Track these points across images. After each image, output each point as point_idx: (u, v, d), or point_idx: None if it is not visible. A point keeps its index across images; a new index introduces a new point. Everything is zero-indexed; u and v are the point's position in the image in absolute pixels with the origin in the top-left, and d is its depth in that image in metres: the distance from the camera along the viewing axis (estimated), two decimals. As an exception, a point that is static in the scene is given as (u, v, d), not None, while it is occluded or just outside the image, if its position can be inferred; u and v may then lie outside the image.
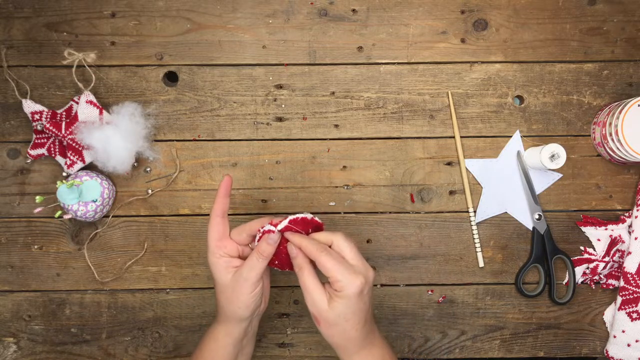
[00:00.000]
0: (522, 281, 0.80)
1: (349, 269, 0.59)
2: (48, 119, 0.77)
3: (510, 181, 0.80)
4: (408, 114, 0.80)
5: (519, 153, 0.79)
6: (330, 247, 0.62)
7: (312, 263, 0.62)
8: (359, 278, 0.59)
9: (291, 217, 0.63)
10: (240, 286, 0.62)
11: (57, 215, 0.76)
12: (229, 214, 0.80)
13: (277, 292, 0.80)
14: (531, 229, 0.80)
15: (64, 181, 0.73)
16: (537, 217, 0.79)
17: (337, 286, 0.59)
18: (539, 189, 0.80)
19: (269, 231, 0.63)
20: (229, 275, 0.63)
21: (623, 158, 0.75)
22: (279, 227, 0.63)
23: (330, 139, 0.80)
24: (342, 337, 0.61)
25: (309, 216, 0.64)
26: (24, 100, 0.76)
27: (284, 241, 0.63)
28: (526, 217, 0.80)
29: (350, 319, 0.60)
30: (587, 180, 0.80)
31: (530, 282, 0.80)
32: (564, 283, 0.80)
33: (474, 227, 0.80)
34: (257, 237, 0.64)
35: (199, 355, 0.68)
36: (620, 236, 0.78)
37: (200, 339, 0.69)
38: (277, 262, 0.65)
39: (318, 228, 0.65)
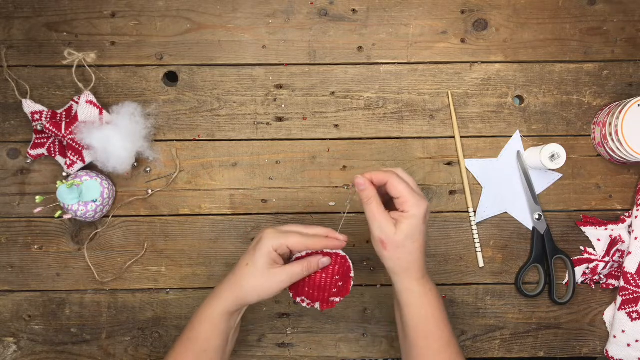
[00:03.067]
0: (522, 281, 0.80)
1: (416, 192, 0.63)
2: (48, 119, 0.77)
3: (510, 181, 0.80)
4: (408, 114, 0.80)
5: (519, 153, 0.79)
6: None
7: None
8: (424, 200, 0.63)
9: (343, 253, 0.67)
10: (273, 283, 0.64)
11: (57, 215, 0.76)
12: (229, 214, 0.80)
13: (277, 292, 0.80)
14: (531, 229, 0.80)
15: (64, 181, 0.73)
16: (537, 217, 0.79)
17: (406, 207, 0.62)
18: (539, 189, 0.80)
19: (325, 254, 0.66)
20: (269, 266, 0.64)
21: (623, 158, 0.75)
22: (338, 251, 0.66)
23: (330, 139, 0.80)
24: (408, 260, 0.64)
25: (350, 264, 0.67)
26: (24, 100, 0.76)
27: (321, 274, 0.66)
28: (526, 217, 0.80)
29: (417, 239, 0.63)
30: (587, 180, 0.80)
31: (530, 282, 0.80)
32: (564, 283, 0.80)
33: (474, 227, 0.80)
34: (304, 253, 0.66)
35: (191, 337, 0.67)
36: (620, 236, 0.78)
37: (191, 321, 0.68)
38: (307, 288, 0.67)
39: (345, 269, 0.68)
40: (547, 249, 0.79)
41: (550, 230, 0.79)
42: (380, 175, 0.64)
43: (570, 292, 0.79)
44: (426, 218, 0.64)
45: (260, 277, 0.64)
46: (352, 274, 0.67)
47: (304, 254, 0.66)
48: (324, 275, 0.66)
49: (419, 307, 0.65)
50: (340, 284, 0.67)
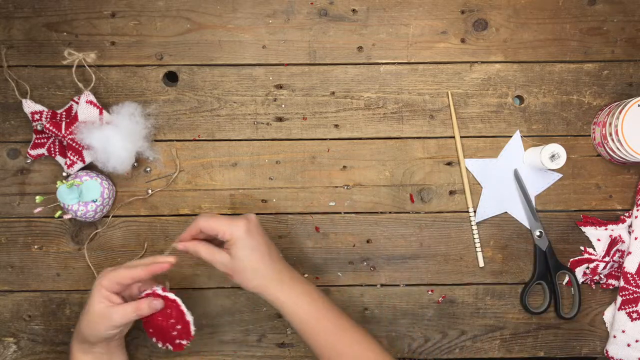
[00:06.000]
0: (527, 298, 0.79)
1: (229, 219, 0.67)
2: (48, 119, 0.77)
3: (510, 181, 0.80)
4: (408, 114, 0.80)
5: (516, 172, 0.79)
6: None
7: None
8: (241, 220, 0.66)
9: (172, 297, 0.68)
10: (104, 322, 0.65)
11: (57, 215, 0.76)
12: (229, 214, 0.80)
13: (277, 292, 0.80)
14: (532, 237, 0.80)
15: (64, 181, 0.73)
16: (537, 234, 0.79)
17: (227, 236, 0.66)
18: (539, 189, 0.80)
19: (156, 295, 0.68)
20: (100, 306, 0.65)
21: (623, 158, 0.75)
22: (167, 294, 0.68)
23: (330, 139, 0.80)
24: (256, 277, 0.66)
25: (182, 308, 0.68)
26: (24, 100, 0.76)
27: (163, 314, 0.68)
28: (526, 217, 0.80)
29: (253, 256, 0.66)
30: (587, 180, 0.80)
31: (534, 294, 0.80)
32: (564, 283, 0.80)
33: (474, 227, 0.80)
34: (144, 293, 0.68)
35: None
36: (620, 236, 0.78)
37: None
38: (151, 330, 0.69)
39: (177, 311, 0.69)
40: (549, 265, 0.78)
41: (552, 246, 0.79)
42: (189, 232, 0.68)
43: (576, 307, 0.79)
44: (252, 232, 0.66)
45: (92, 317, 0.66)
46: (188, 318, 0.68)
47: (145, 293, 0.68)
48: (159, 318, 0.68)
49: (295, 312, 0.67)
50: (178, 327, 0.68)
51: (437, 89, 0.80)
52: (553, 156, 0.74)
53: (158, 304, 0.67)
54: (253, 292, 0.67)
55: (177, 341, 0.70)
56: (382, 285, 0.81)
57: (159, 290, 0.68)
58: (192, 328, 0.69)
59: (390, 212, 0.80)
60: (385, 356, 0.67)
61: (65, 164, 0.76)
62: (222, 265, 0.67)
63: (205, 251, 0.67)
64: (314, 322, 0.67)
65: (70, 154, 0.75)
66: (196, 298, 0.80)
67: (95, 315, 0.65)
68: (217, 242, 0.69)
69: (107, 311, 0.65)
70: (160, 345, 0.70)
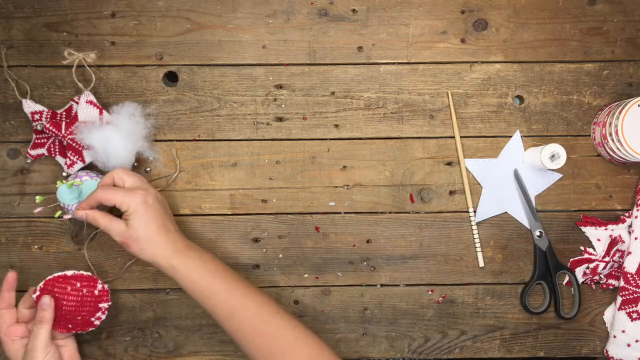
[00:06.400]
0: (527, 298, 0.79)
1: (126, 191, 0.69)
2: (48, 119, 0.77)
3: (510, 181, 0.80)
4: (408, 114, 0.80)
5: (516, 172, 0.79)
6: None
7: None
8: (137, 192, 0.68)
9: (48, 277, 0.71)
10: (31, 357, 0.67)
11: (57, 215, 0.76)
12: (229, 214, 0.80)
13: (277, 292, 0.80)
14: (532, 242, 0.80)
15: (64, 181, 0.73)
16: (537, 234, 0.79)
17: (124, 207, 0.68)
18: (539, 189, 0.80)
19: (37, 297, 0.70)
20: (20, 354, 0.69)
21: (623, 158, 0.75)
22: (38, 287, 0.70)
23: (330, 139, 0.80)
24: (151, 246, 0.68)
25: (70, 272, 0.72)
26: (24, 100, 0.76)
27: (57, 303, 0.71)
28: (526, 217, 0.80)
29: (149, 226, 0.68)
30: (587, 180, 0.80)
31: (534, 294, 0.80)
32: (564, 283, 0.80)
33: (474, 227, 0.80)
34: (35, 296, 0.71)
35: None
36: (620, 236, 0.78)
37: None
38: (62, 322, 0.71)
39: (87, 279, 0.73)
40: (550, 266, 0.78)
41: (552, 246, 0.79)
42: (88, 202, 0.70)
43: (576, 307, 0.79)
44: (148, 203, 0.69)
45: None
46: (70, 273, 0.72)
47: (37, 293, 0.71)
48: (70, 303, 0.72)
49: (187, 275, 0.68)
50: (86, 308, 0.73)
51: (437, 89, 0.80)
52: (553, 156, 0.74)
53: (47, 300, 0.70)
54: (148, 261, 0.69)
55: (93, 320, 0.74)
56: (382, 285, 0.81)
57: (33, 294, 0.71)
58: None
59: (390, 212, 0.80)
60: (282, 313, 0.68)
61: (65, 164, 0.76)
62: (118, 234, 0.68)
63: (102, 219, 0.69)
64: (205, 284, 0.68)
65: (70, 154, 0.76)
66: (196, 298, 0.80)
67: None
68: (116, 212, 0.71)
69: (25, 350, 0.69)
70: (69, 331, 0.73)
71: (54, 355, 0.70)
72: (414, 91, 0.80)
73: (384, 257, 0.80)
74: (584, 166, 0.80)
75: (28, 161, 0.79)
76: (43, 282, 0.71)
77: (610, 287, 0.80)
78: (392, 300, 0.80)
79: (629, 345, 0.78)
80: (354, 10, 0.80)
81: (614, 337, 0.78)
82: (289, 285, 0.80)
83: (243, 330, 0.66)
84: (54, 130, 0.74)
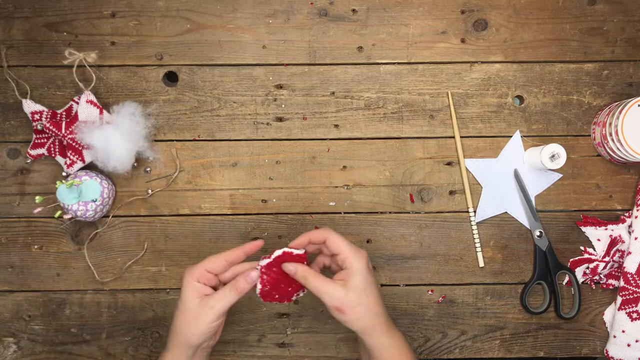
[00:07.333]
0: (527, 298, 0.79)
1: (352, 245, 0.63)
2: (48, 119, 0.77)
3: (510, 181, 0.80)
4: (408, 114, 0.80)
5: (516, 172, 0.79)
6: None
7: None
8: (362, 250, 0.63)
9: (277, 252, 0.64)
10: (205, 313, 0.62)
11: (57, 215, 0.76)
12: (229, 214, 0.80)
13: (277, 292, 0.80)
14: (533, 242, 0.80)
15: (63, 181, 0.73)
16: (537, 234, 0.79)
17: (348, 262, 0.62)
18: (539, 189, 0.80)
19: (267, 264, 0.64)
20: (196, 300, 0.63)
21: (623, 158, 0.75)
22: (262, 263, 0.64)
23: (330, 139, 0.80)
24: (369, 315, 0.62)
25: (295, 251, 0.64)
26: (24, 100, 0.76)
27: (278, 273, 0.64)
28: (526, 217, 0.80)
29: (370, 293, 0.61)
30: (587, 180, 0.80)
31: (534, 294, 0.81)
32: (564, 283, 0.80)
33: (474, 227, 0.80)
34: (265, 262, 0.64)
35: None
36: (620, 236, 0.78)
37: None
38: (277, 295, 0.66)
39: (303, 258, 0.65)
40: (550, 265, 0.78)
41: (552, 246, 0.79)
42: (317, 234, 0.64)
43: (576, 307, 0.79)
44: (369, 268, 0.63)
45: (190, 313, 0.63)
46: (295, 252, 0.64)
47: (270, 258, 0.64)
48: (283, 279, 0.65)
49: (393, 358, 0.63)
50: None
51: (437, 89, 0.80)
52: (553, 156, 0.74)
53: (254, 275, 0.63)
54: (355, 330, 0.62)
55: (294, 296, 0.67)
56: (382, 285, 0.81)
57: (290, 250, 0.64)
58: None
59: (390, 212, 0.80)
60: None
61: (65, 163, 0.76)
62: (334, 299, 0.60)
63: (315, 280, 0.61)
64: None
65: (70, 154, 0.76)
66: (196, 298, 0.80)
67: (192, 311, 0.62)
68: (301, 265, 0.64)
69: (204, 303, 0.62)
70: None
71: (221, 326, 0.66)
72: (414, 91, 0.80)
73: (384, 257, 0.80)
74: (584, 166, 0.80)
75: (28, 161, 0.79)
76: (272, 258, 0.64)
77: (610, 287, 0.80)
78: (392, 300, 0.80)
79: (629, 345, 0.78)
80: (354, 10, 0.80)
81: (614, 337, 0.78)
82: (289, 285, 0.80)
83: None
84: (54, 129, 0.74)
